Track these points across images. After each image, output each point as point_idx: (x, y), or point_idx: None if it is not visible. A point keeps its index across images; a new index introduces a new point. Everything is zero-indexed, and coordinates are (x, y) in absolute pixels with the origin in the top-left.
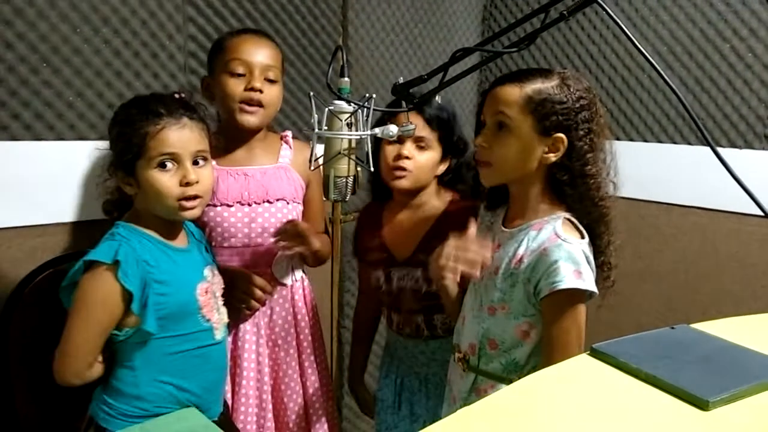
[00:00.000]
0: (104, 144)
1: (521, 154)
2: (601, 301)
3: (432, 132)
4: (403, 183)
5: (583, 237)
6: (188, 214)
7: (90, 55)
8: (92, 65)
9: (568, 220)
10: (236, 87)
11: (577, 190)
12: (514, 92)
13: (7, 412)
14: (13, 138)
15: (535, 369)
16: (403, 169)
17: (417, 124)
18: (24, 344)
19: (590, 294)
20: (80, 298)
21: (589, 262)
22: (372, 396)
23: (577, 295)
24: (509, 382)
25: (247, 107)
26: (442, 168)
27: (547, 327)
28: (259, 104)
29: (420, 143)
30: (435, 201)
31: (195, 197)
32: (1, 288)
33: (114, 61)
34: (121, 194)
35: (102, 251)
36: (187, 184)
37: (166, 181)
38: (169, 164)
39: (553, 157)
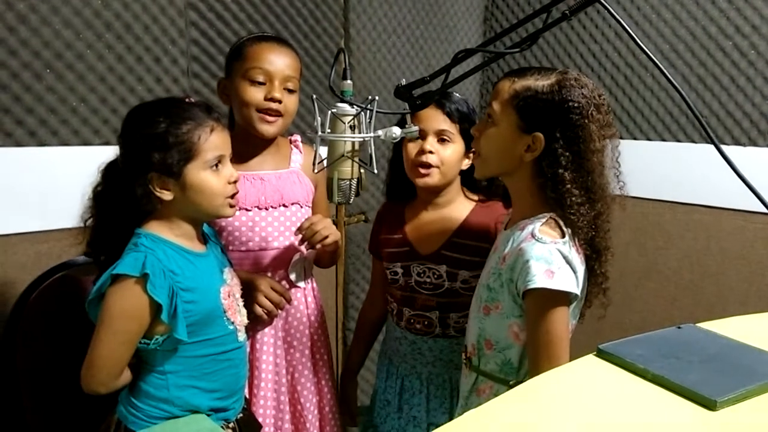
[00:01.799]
0: (104, 149)
1: (501, 147)
2: (604, 311)
3: (453, 125)
4: (429, 181)
5: (563, 237)
6: (234, 210)
7: (93, 60)
8: (95, 70)
9: (554, 219)
10: (255, 95)
11: (555, 194)
12: (505, 86)
13: (16, 417)
14: (18, 144)
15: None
16: (428, 165)
17: (437, 118)
18: (31, 349)
19: (574, 295)
20: (108, 310)
21: (569, 263)
22: (357, 403)
23: (553, 296)
24: (506, 383)
25: (266, 117)
26: (467, 162)
27: (528, 328)
28: (278, 113)
29: (442, 136)
30: (461, 200)
31: (234, 195)
32: (8, 294)
33: (117, 66)
34: (117, 222)
35: (128, 264)
36: (235, 182)
37: (218, 181)
38: (219, 165)
39: (530, 155)
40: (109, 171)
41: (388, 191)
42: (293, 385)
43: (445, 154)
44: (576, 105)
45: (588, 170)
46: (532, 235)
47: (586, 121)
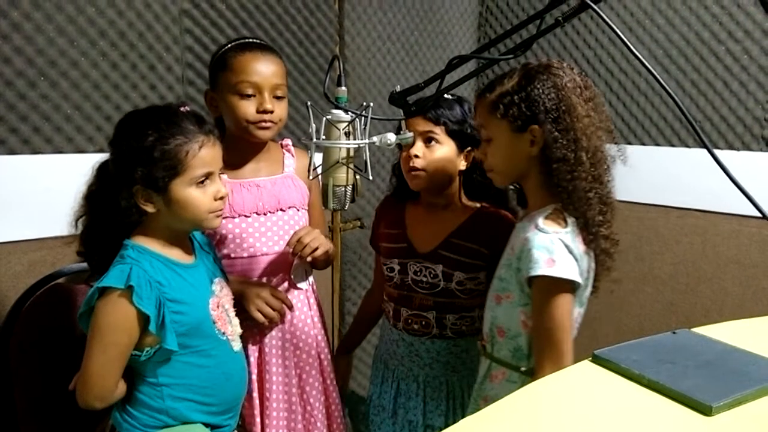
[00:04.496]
0: (98, 157)
1: (509, 156)
2: (613, 286)
3: (437, 126)
4: (416, 183)
5: (565, 227)
6: (219, 221)
7: (87, 68)
8: (90, 78)
9: (558, 210)
10: (248, 108)
11: (553, 177)
12: (482, 104)
13: (9, 426)
14: (11, 152)
15: None
16: (416, 169)
17: (419, 122)
18: (25, 357)
19: (578, 284)
20: (96, 324)
21: (571, 252)
22: (348, 380)
23: (556, 284)
24: (518, 369)
25: (261, 124)
26: (463, 161)
27: (533, 316)
28: (272, 122)
29: (428, 138)
30: (463, 203)
31: (221, 209)
32: (2, 302)
33: (111, 73)
34: (107, 227)
35: (114, 276)
36: (221, 198)
37: (204, 197)
38: (206, 180)
39: (536, 148)
40: (103, 171)
41: (395, 192)
42: (301, 386)
43: (431, 156)
44: (549, 85)
45: (576, 138)
46: (536, 226)
47: (564, 93)
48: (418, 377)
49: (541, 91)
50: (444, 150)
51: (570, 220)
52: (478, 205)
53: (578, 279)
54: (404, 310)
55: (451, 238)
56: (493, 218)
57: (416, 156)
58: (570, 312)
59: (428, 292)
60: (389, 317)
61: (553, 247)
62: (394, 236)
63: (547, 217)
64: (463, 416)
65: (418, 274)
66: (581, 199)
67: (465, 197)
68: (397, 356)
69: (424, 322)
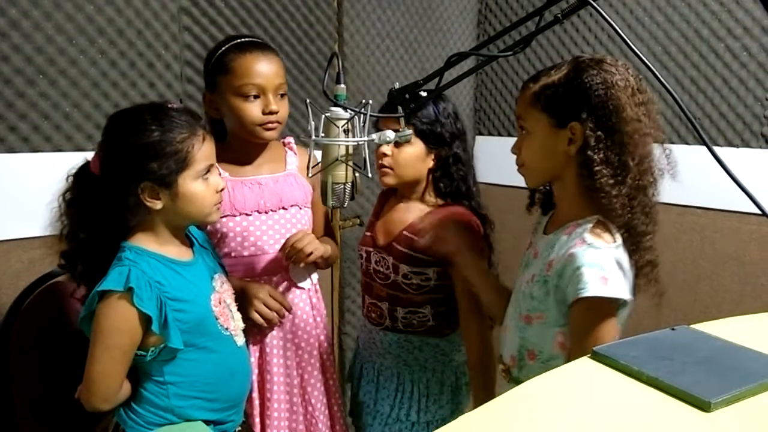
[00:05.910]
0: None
1: (544, 151)
2: (655, 299)
3: (406, 126)
4: (385, 180)
5: (615, 241)
6: (219, 214)
7: (86, 65)
8: (88, 76)
9: (601, 223)
10: (254, 111)
11: (594, 182)
12: (525, 94)
13: (8, 424)
14: (11, 150)
15: None
16: (385, 166)
17: (388, 122)
18: (24, 356)
19: (624, 302)
20: (99, 327)
21: (621, 268)
22: None
23: (605, 304)
24: None
25: (268, 126)
26: (431, 161)
27: (576, 337)
28: (277, 122)
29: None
30: (426, 200)
31: (220, 202)
32: (1, 300)
33: (110, 71)
34: (90, 236)
35: (113, 279)
36: (221, 190)
37: (207, 190)
38: (207, 174)
39: (573, 148)
40: (82, 178)
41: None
42: (303, 386)
43: (399, 156)
44: (598, 81)
45: (623, 142)
46: (583, 241)
47: (613, 91)
48: (375, 364)
49: (588, 85)
50: (411, 150)
51: (617, 232)
52: (439, 202)
53: (629, 297)
54: (367, 297)
55: (404, 232)
56: (441, 212)
57: (384, 155)
58: (614, 333)
59: (383, 283)
60: (361, 303)
61: (606, 264)
62: (369, 224)
63: (592, 230)
64: (409, 409)
65: (378, 264)
66: (624, 206)
67: (433, 195)
68: (362, 340)
69: (379, 313)
